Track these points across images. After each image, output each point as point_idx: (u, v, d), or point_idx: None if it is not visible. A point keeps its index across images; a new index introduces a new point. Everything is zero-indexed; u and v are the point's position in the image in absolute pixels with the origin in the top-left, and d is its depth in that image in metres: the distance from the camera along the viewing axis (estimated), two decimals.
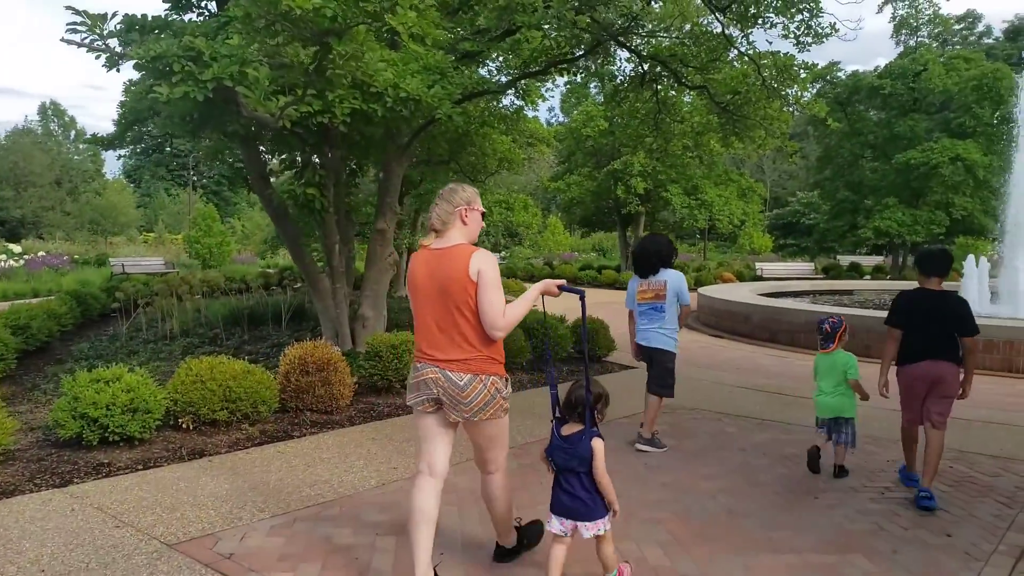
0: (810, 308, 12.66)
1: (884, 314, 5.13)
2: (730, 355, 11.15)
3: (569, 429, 3.30)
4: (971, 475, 5.31)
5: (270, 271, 23.01)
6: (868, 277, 28.41)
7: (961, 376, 4.69)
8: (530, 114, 18.49)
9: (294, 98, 4.98)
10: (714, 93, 10.17)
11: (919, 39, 31.79)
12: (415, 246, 19.28)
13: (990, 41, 52.00)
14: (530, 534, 3.71)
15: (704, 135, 11.71)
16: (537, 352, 9.10)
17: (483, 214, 3.45)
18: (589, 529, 3.22)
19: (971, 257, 15.21)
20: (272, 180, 9.83)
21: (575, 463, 3.21)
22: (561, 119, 49.62)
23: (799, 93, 9.26)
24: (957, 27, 47.64)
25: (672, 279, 5.73)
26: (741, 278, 26.13)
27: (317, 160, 7.43)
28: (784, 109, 9.88)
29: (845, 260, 32.78)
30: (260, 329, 12.28)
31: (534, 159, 18.96)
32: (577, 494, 3.21)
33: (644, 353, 5.94)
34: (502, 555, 3.62)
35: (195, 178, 60.87)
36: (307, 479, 4.92)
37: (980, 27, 50.93)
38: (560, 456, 3.25)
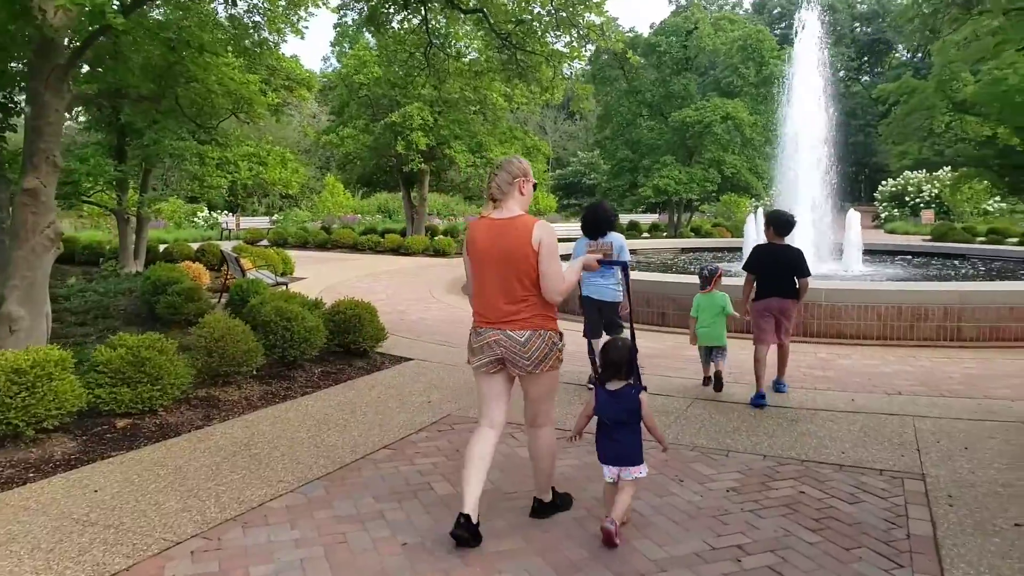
0: None
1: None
2: None
3: (614, 386, 3.62)
4: (828, 504, 4.03)
5: None
6: (647, 235, 28.96)
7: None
8: (287, 53, 15.58)
9: None
10: (494, 22, 8.33)
11: None
12: (147, 214, 15.71)
13: (741, 12, 56.07)
14: (564, 500, 3.85)
15: (484, 75, 9.94)
16: (276, 355, 6.84)
17: (535, 186, 3.73)
18: (632, 472, 3.55)
19: (751, 216, 15.17)
20: None
21: (624, 415, 3.56)
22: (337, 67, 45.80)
23: (594, 21, 7.70)
24: None
25: (617, 240, 6.14)
26: None
27: None
28: (575, 44, 8.30)
29: (624, 219, 33.39)
30: None
31: (291, 104, 16.15)
32: (623, 440, 3.56)
33: (591, 304, 6.31)
34: (538, 510, 3.73)
35: None
36: None
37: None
38: (611, 410, 3.58)
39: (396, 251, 22.82)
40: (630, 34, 29.38)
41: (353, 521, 3.81)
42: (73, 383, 4.91)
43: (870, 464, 4.66)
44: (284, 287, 11.01)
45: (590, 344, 4.40)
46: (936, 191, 39.21)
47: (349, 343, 7.57)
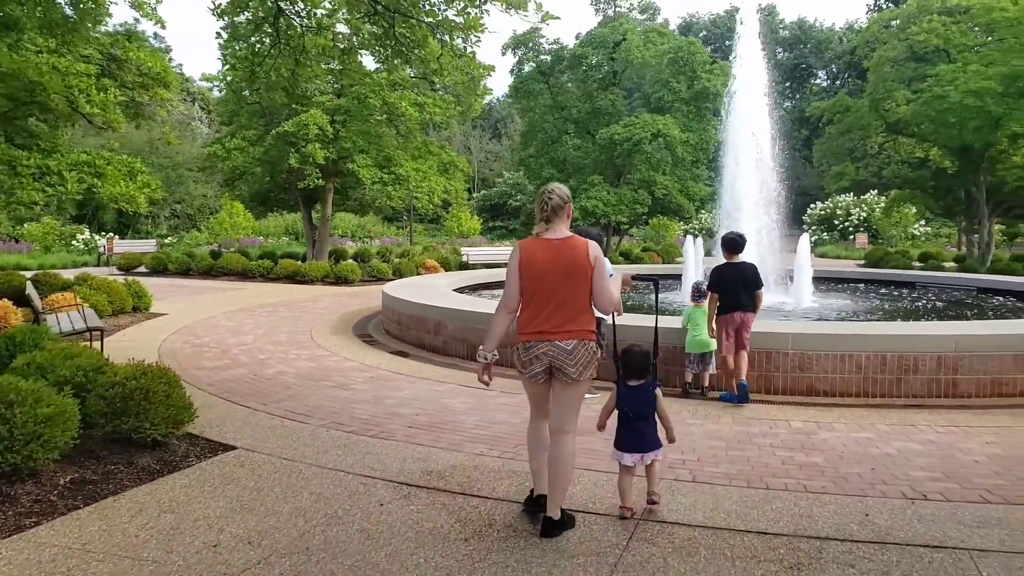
0: None
1: None
2: (408, 392, 7.33)
3: (634, 383, 4.18)
4: None
5: None
6: None
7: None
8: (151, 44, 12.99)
9: None
10: None
11: (617, 9, 31.43)
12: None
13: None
14: (569, 519, 3.96)
15: (352, 54, 7.71)
16: None
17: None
18: (651, 456, 4.12)
19: (690, 239, 13.37)
20: None
21: (645, 408, 4.13)
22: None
23: None
24: (640, 16, 49.87)
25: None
26: (447, 265, 22.96)
27: None
28: (470, 11, 6.17)
29: None
30: None
31: (147, 106, 13.44)
32: (646, 432, 4.11)
33: None
34: (551, 527, 3.81)
35: None
36: None
37: (660, 20, 54.17)
38: (633, 404, 4.14)
39: (292, 278, 20.18)
40: (554, 46, 27.69)
41: None
42: None
43: None
44: (94, 335, 8.39)
45: (617, 361, 4.46)
46: (865, 214, 38.97)
47: (130, 431, 5.12)
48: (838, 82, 63.05)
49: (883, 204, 31.75)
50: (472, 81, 9.05)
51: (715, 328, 6.94)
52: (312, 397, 7.09)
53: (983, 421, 6.21)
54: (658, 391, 4.17)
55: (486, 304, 10.21)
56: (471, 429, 5.95)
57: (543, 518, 3.84)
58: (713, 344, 6.99)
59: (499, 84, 69.96)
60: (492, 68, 8.80)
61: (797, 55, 66.03)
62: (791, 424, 6.14)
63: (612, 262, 24.59)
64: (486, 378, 4.02)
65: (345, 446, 5.48)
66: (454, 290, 12.30)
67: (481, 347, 3.99)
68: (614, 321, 4.57)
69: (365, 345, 10.26)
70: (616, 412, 4.20)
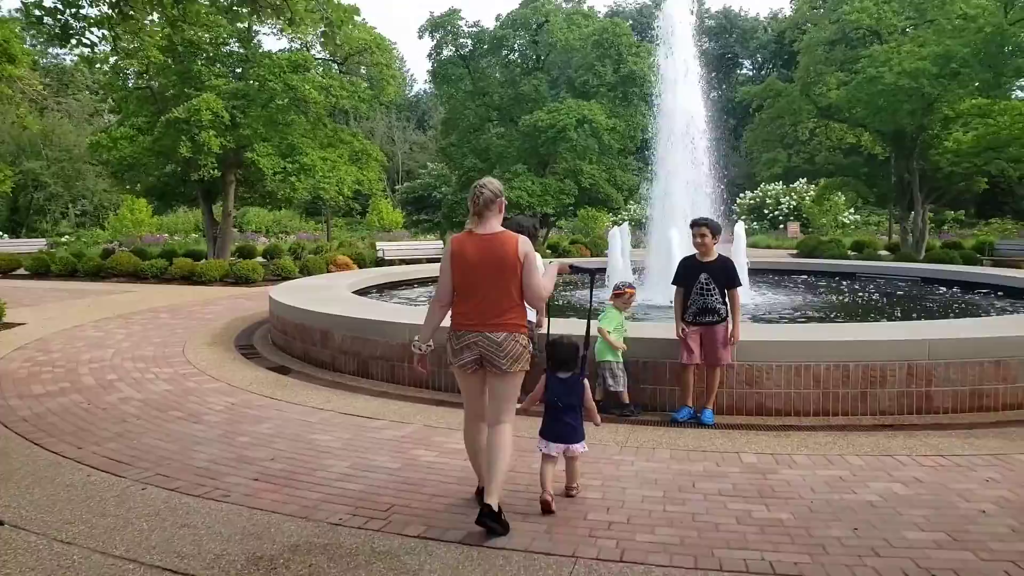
0: (414, 321, 7.60)
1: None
2: (271, 424, 5.83)
3: (564, 374, 4.18)
4: None
5: None
6: None
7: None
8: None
9: None
10: None
11: None
12: None
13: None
14: (503, 525, 3.78)
15: (188, 4, 6.21)
16: None
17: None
18: (576, 449, 4.15)
19: (616, 229, 12.23)
20: None
21: (573, 398, 4.16)
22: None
23: None
24: (566, 5, 48.80)
25: None
26: (361, 262, 21.27)
27: None
28: None
29: None
30: None
31: None
32: (571, 422, 4.14)
33: None
34: (488, 516, 3.69)
35: None
36: None
37: (585, 7, 53.26)
38: (563, 395, 4.15)
39: (188, 279, 18.20)
40: (474, 28, 26.21)
41: None
42: None
43: None
44: None
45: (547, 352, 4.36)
46: (795, 203, 38.94)
47: None
48: (763, 71, 63.67)
49: (813, 192, 31.65)
50: (331, 26, 7.61)
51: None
52: (148, 435, 5.56)
53: (972, 447, 5.14)
54: (585, 381, 4.23)
55: (383, 310, 8.76)
56: (336, 481, 4.54)
57: (481, 506, 3.78)
58: (604, 354, 5.97)
59: (424, 73, 67.94)
60: (357, 10, 7.38)
61: (723, 45, 66.28)
62: (742, 458, 4.96)
63: (540, 256, 23.41)
64: (421, 369, 4.12)
65: (157, 515, 4.01)
66: (355, 292, 10.82)
67: (416, 337, 4.06)
68: (548, 331, 4.50)
69: (242, 360, 8.68)
70: (544, 403, 4.23)
